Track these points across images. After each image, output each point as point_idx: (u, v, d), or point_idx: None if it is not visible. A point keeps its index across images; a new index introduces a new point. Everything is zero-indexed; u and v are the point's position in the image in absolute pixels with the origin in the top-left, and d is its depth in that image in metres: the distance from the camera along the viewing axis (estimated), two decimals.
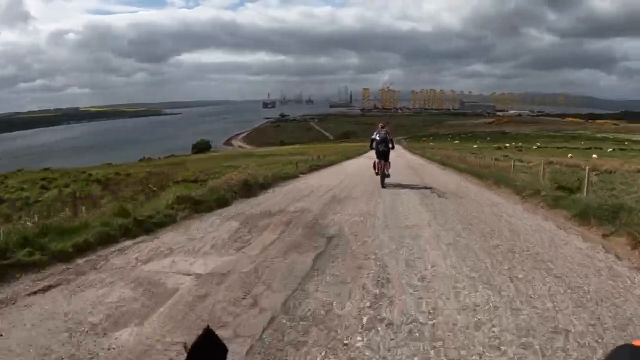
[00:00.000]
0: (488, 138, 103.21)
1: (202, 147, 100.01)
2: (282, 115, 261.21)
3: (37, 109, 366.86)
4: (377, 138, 11.07)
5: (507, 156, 45.00)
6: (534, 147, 68.85)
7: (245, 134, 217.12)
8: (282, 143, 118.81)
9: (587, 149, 67.60)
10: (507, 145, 75.30)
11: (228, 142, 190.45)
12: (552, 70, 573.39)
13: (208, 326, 0.57)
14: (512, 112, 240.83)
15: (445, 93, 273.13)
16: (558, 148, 68.22)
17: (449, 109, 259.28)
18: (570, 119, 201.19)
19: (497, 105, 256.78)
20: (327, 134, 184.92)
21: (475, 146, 74.43)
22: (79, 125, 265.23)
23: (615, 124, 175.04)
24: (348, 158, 32.29)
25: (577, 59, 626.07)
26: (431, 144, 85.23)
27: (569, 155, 46.78)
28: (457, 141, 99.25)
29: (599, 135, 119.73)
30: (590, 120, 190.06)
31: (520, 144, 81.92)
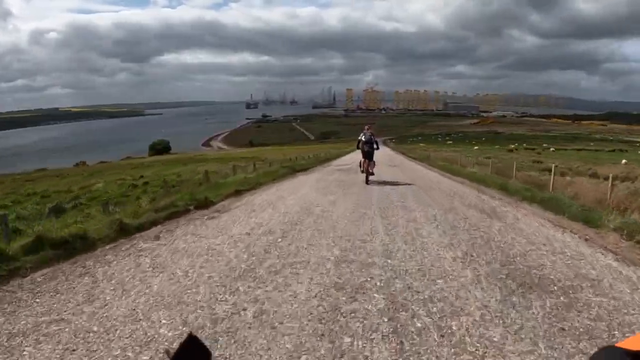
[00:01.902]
0: (483, 138, 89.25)
1: (159, 149, 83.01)
2: (264, 116, 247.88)
3: (17, 109, 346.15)
4: (363, 139, 10.88)
5: (539, 162, 30.49)
6: (551, 149, 54.23)
7: (224, 134, 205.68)
8: (252, 144, 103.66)
9: (611, 151, 53.57)
10: (513, 146, 60.87)
11: (207, 143, 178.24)
12: (534, 71, 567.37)
13: (191, 332, 0.54)
14: (494, 113, 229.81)
15: (429, 94, 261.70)
16: (578, 150, 53.95)
17: (432, 110, 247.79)
18: (555, 119, 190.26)
19: (480, 106, 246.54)
20: (308, 134, 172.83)
21: (475, 147, 59.78)
22: (57, 126, 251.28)
23: (603, 125, 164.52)
24: (299, 171, 16.60)
25: (560, 60, 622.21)
26: (422, 144, 70.58)
27: (623, 161, 32.51)
28: (450, 142, 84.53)
29: (597, 136, 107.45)
30: (576, 122, 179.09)
31: (524, 145, 67.60)
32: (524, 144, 68.11)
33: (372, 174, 10.98)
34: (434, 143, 79.51)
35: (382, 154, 29.47)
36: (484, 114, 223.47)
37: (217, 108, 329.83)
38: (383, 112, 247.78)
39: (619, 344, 0.46)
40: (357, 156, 13.73)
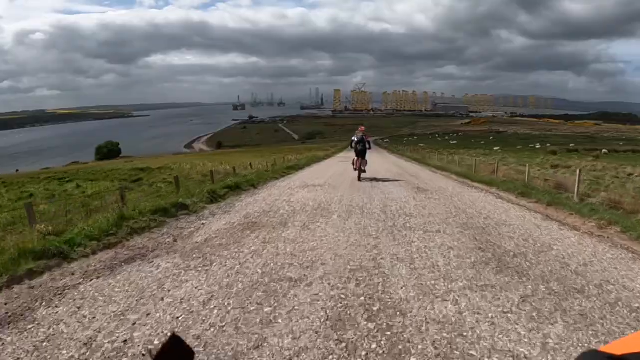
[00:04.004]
0: (491, 138, 74.09)
1: (107, 152, 65.45)
2: (251, 117, 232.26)
3: (3, 112, 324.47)
4: (356, 139, 11.09)
5: None
6: (603, 151, 38.72)
7: (208, 136, 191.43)
8: (219, 146, 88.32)
9: None
10: (535, 145, 45.40)
11: (189, 145, 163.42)
12: (523, 72, 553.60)
13: (174, 332, 0.51)
14: (483, 113, 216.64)
15: (417, 95, 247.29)
16: (634, 152, 38.62)
17: (421, 111, 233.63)
18: (547, 119, 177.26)
19: (469, 106, 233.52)
20: (293, 135, 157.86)
21: (496, 148, 44.22)
22: (42, 128, 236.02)
23: (597, 124, 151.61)
24: None
25: (548, 61, 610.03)
26: (421, 145, 54.90)
27: None
28: (454, 142, 68.67)
29: (607, 135, 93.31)
30: (570, 122, 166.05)
31: (548, 145, 52.15)
32: (547, 144, 52.66)
33: (364, 171, 10.98)
34: (433, 143, 63.65)
35: (381, 162, 14.67)
36: (473, 115, 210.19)
37: (206, 109, 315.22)
38: (371, 113, 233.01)
39: (602, 348, 0.44)
40: (338, 167, 13.45)
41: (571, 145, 52.15)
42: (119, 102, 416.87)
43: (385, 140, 76.85)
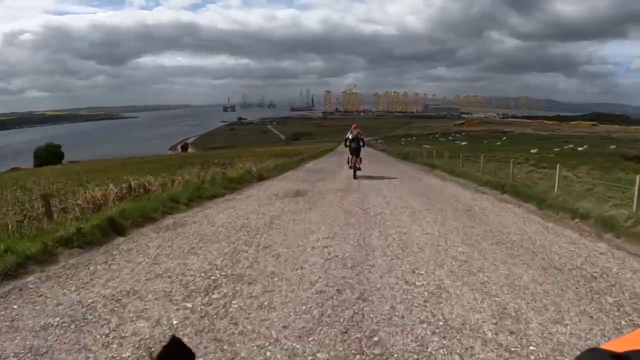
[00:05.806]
0: (504, 138, 62.53)
1: (46, 156, 52.15)
2: (240, 119, 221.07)
3: None
4: (350, 137, 11.12)
5: None
6: None
7: (196, 137, 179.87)
8: (183, 149, 76.84)
9: None
10: (579, 149, 33.42)
11: (174, 147, 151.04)
12: (513, 73, 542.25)
13: (174, 335, 0.48)
14: (475, 115, 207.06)
15: (408, 96, 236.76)
16: None
17: (412, 112, 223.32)
18: (541, 120, 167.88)
19: (461, 108, 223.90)
20: (281, 136, 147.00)
21: (533, 151, 32.22)
22: (37, 128, 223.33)
23: (594, 125, 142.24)
24: None
25: (540, 62, 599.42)
26: (426, 145, 42.85)
27: None
28: (464, 143, 56.57)
29: (613, 135, 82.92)
30: (564, 122, 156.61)
31: (584, 146, 40.33)
32: (585, 146, 40.87)
33: (359, 169, 10.86)
34: (437, 144, 51.32)
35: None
36: (465, 116, 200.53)
37: (196, 111, 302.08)
38: (362, 114, 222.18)
39: (604, 346, 0.42)
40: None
41: (611, 147, 40.44)
42: (109, 104, 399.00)
43: (379, 141, 64.40)
